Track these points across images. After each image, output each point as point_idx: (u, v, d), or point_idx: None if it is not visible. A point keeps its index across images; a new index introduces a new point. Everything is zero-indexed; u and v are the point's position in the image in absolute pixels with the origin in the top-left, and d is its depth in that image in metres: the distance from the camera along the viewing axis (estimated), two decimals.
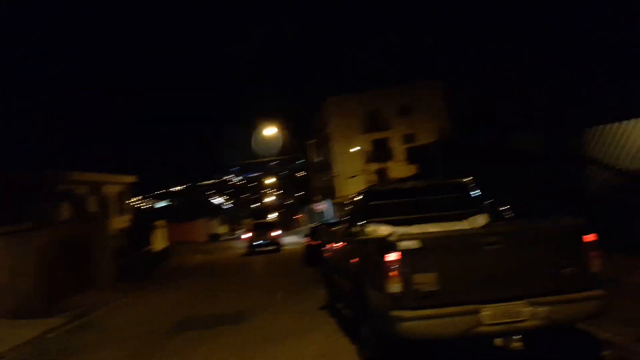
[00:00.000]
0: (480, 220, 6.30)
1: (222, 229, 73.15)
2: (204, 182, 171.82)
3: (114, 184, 26.56)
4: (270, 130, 33.22)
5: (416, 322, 4.10)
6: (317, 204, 42.42)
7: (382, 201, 6.53)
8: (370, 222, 6.05)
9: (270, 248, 26.83)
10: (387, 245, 4.24)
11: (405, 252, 4.19)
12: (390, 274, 4.18)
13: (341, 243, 6.83)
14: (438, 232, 5.06)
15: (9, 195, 17.23)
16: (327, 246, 8.30)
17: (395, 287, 4.17)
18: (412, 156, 30.24)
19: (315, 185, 41.45)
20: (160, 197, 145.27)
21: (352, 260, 5.72)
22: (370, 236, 5.49)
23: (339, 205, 43.09)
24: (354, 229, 6.20)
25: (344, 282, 6.29)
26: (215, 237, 58.75)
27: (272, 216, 79.81)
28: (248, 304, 10.36)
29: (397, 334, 4.18)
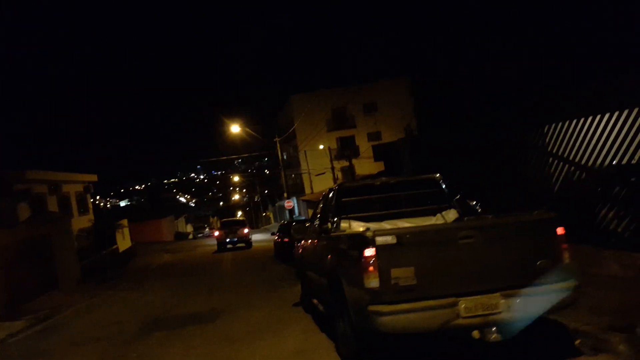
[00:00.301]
0: (451, 215, 6.47)
1: (188, 228, 72.09)
2: (168, 181, 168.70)
3: (74, 182, 25.76)
4: (234, 128, 33.03)
5: (395, 316, 4.18)
6: (285, 201, 42.30)
7: (354, 197, 6.62)
8: (343, 218, 6.13)
9: (240, 245, 27.12)
10: (365, 240, 4.31)
11: (382, 248, 4.27)
12: (368, 269, 4.25)
13: (314, 240, 6.88)
14: (413, 227, 5.18)
15: None
16: (300, 243, 8.33)
17: (373, 282, 4.25)
18: (378, 154, 30.56)
19: (283, 183, 41.28)
20: (122, 196, 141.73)
21: (326, 257, 5.77)
22: (346, 232, 5.56)
23: (306, 203, 43.16)
24: (327, 226, 6.25)
25: (319, 279, 6.34)
26: (181, 236, 57.89)
27: (239, 214, 79.12)
28: (221, 302, 10.29)
29: (376, 329, 4.26)
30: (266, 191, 74.54)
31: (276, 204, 63.10)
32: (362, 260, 4.29)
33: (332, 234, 5.86)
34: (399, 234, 4.36)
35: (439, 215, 6.55)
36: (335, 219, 6.00)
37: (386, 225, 6.26)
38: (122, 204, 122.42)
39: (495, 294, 4.33)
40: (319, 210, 7.09)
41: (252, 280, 13.44)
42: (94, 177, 28.83)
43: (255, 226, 65.18)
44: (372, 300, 4.27)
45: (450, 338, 5.19)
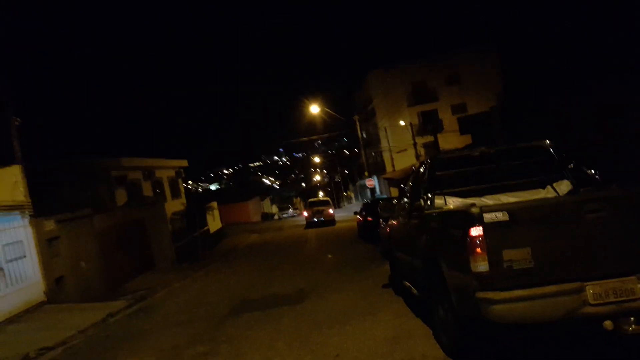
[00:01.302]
0: (564, 186, 5.63)
1: (273, 209, 74.02)
2: (253, 164, 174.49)
3: (166, 168, 26.97)
4: (314, 109, 32.79)
5: (509, 304, 3.57)
6: (366, 179, 41.79)
7: (450, 171, 5.95)
8: (437, 194, 5.51)
9: (326, 222, 29.67)
10: (470, 218, 3.72)
11: (491, 226, 3.66)
12: (476, 250, 3.66)
13: (405, 218, 6.33)
14: (528, 201, 4.48)
15: (67, 183, 17.73)
16: (388, 222, 7.81)
17: (481, 265, 3.66)
18: (464, 126, 29.03)
19: (363, 162, 40.73)
20: (212, 180, 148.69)
21: (420, 237, 5.22)
22: (443, 209, 4.97)
23: (388, 181, 42.30)
24: (419, 203, 5.67)
25: (411, 261, 5.80)
26: (267, 217, 59.48)
27: (321, 194, 79.93)
28: (307, 282, 10.10)
29: (486, 319, 3.68)
30: (346, 171, 74.36)
31: (357, 183, 62.76)
32: (468, 240, 3.70)
33: (426, 211, 5.27)
34: (511, 209, 3.72)
35: (549, 187, 5.73)
36: (429, 195, 5.40)
37: (488, 200, 5.56)
38: (213, 187, 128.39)
39: (630, 278, 3.59)
40: (408, 186, 6.50)
41: (337, 261, 13.17)
42: (184, 163, 30.03)
43: (336, 206, 65.38)
44: (480, 287, 3.69)
45: (576, 329, 4.43)
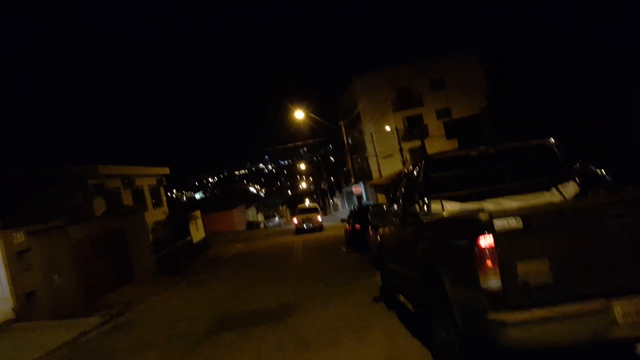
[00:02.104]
0: (570, 188, 5.17)
1: (259, 217, 73.19)
2: (239, 172, 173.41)
3: (147, 176, 26.19)
4: (299, 114, 32.28)
5: (526, 327, 3.07)
6: (353, 186, 41.41)
7: (446, 172, 5.46)
8: (433, 198, 5.00)
9: (314, 229, 30.93)
10: (478, 225, 3.22)
11: (503, 235, 3.16)
12: (485, 264, 3.16)
13: (398, 225, 5.82)
14: (543, 206, 4.00)
15: (40, 192, 16.93)
16: (378, 229, 7.30)
17: (492, 281, 3.15)
18: (451, 130, 28.82)
19: (349, 168, 40.31)
20: (197, 189, 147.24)
21: (417, 246, 4.71)
22: (443, 215, 4.47)
23: (375, 187, 41.90)
24: (414, 208, 5.17)
25: (407, 272, 5.29)
26: (252, 225, 58.68)
27: (307, 202, 79.51)
28: (293, 295, 9.54)
29: (499, 343, 3.17)
30: (332, 178, 73.93)
31: (343, 190, 62.33)
32: (476, 252, 3.20)
33: (422, 217, 4.77)
34: (525, 215, 3.22)
35: (554, 189, 5.26)
36: (425, 200, 4.89)
37: (489, 205, 5.07)
38: (197, 196, 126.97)
39: None
40: (401, 191, 6.00)
41: (324, 271, 12.61)
42: (166, 170, 29.25)
43: (323, 213, 64.79)
44: (492, 305, 3.18)
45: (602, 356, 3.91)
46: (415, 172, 5.55)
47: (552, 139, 5.38)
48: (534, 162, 5.49)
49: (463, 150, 5.63)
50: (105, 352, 7.49)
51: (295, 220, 34.11)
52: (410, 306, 5.45)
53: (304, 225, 31.25)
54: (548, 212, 3.43)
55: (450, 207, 4.91)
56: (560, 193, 5.20)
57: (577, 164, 5.37)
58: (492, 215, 3.20)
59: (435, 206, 4.86)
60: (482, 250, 3.17)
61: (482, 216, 3.22)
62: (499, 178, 5.51)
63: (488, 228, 3.17)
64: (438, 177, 5.37)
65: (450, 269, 3.75)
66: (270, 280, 12.42)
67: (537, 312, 3.08)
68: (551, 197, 5.21)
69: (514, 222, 3.18)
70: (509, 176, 5.55)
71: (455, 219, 4.03)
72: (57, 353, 8.07)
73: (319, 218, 32.04)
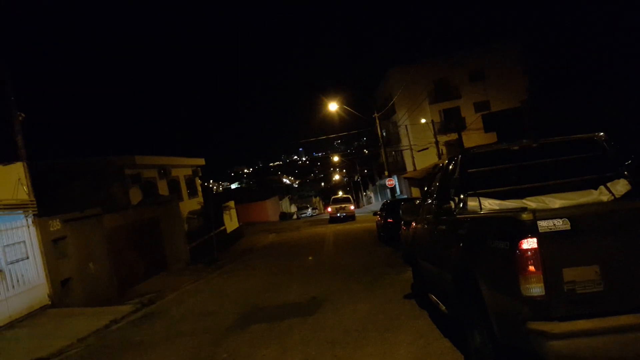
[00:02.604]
0: (620, 187, 4.75)
1: (292, 208, 73.55)
2: (273, 164, 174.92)
3: (182, 167, 26.51)
4: (332, 106, 32.00)
5: (572, 340, 2.77)
6: (386, 179, 40.93)
7: (484, 168, 5.11)
8: (470, 195, 4.69)
9: (347, 218, 33.01)
10: (520, 226, 2.93)
11: (548, 237, 2.86)
12: (527, 268, 2.87)
13: (431, 223, 5.52)
14: (594, 205, 3.65)
15: (78, 181, 17.31)
16: (411, 225, 7.01)
17: (535, 288, 2.86)
18: (490, 123, 28.02)
19: (383, 161, 39.78)
20: (233, 180, 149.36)
21: (451, 246, 4.43)
22: (481, 214, 4.16)
23: (408, 180, 41.26)
24: (449, 205, 4.87)
25: (440, 272, 5.01)
26: (285, 216, 58.96)
27: (340, 194, 79.47)
28: (321, 289, 9.37)
29: (541, 356, 2.88)
30: (366, 170, 73.38)
31: (376, 183, 61.74)
32: (517, 255, 2.91)
33: (457, 215, 4.47)
34: (573, 215, 2.91)
35: (602, 187, 4.85)
36: (461, 196, 4.59)
37: (530, 203, 4.72)
38: (233, 186, 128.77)
39: None
40: (435, 186, 5.70)
41: (355, 265, 12.38)
42: (201, 161, 29.53)
43: (355, 205, 64.48)
44: (533, 315, 2.89)
45: None
46: (451, 166, 5.24)
47: (601, 133, 4.96)
48: (581, 158, 5.08)
49: (503, 144, 5.27)
50: (132, 342, 7.51)
51: (329, 209, 36.37)
52: (443, 307, 5.17)
53: (338, 214, 33.35)
54: (599, 212, 3.10)
55: (489, 204, 4.58)
56: (610, 192, 4.78)
57: (629, 161, 4.95)
58: (536, 215, 2.90)
59: (472, 203, 4.55)
60: (524, 253, 2.88)
61: (525, 216, 2.93)
62: (542, 174, 5.13)
63: (531, 229, 2.88)
64: (476, 172, 5.04)
65: (488, 273, 3.46)
66: (299, 273, 12.30)
67: (585, 324, 2.78)
68: (599, 196, 4.80)
69: (560, 224, 2.88)
70: (552, 173, 5.16)
71: (494, 218, 3.72)
72: (87, 340, 8.17)
73: (352, 207, 34.15)
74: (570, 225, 2.87)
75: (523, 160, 5.12)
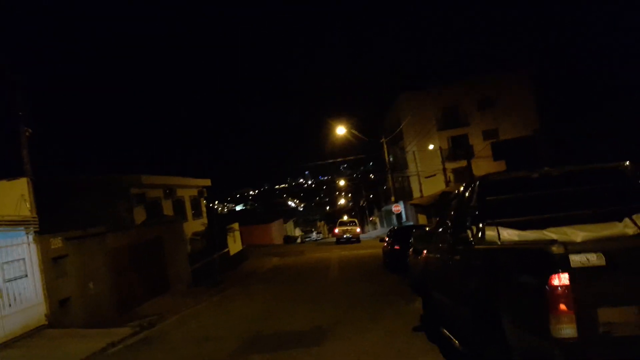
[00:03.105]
0: None
1: (296, 232, 73.06)
2: (279, 186, 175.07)
3: (188, 187, 26.39)
4: (340, 130, 31.98)
5: None
6: (393, 205, 40.59)
7: (502, 195, 4.88)
8: (488, 224, 4.45)
9: (352, 240, 34.86)
10: (550, 260, 2.69)
11: (581, 273, 2.62)
12: (558, 307, 2.62)
13: (446, 252, 5.27)
14: (630, 240, 3.41)
15: (82, 199, 17.18)
16: (424, 253, 6.74)
17: (567, 329, 2.61)
18: (498, 152, 27.87)
19: (390, 186, 39.55)
20: (238, 201, 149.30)
21: (469, 278, 4.18)
22: (504, 245, 3.91)
23: (415, 207, 40.89)
24: (465, 234, 4.63)
25: (455, 306, 4.73)
26: (289, 240, 58.50)
27: (345, 218, 79.17)
28: (327, 318, 9.04)
29: None
30: (371, 195, 72.99)
31: (382, 209, 61.30)
32: (547, 292, 2.66)
33: (475, 246, 4.23)
34: (609, 250, 2.67)
35: (627, 220, 4.60)
36: (479, 226, 4.35)
37: (551, 234, 4.47)
38: (238, 208, 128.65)
39: None
40: (450, 214, 5.46)
41: (361, 293, 12.04)
42: (207, 182, 29.42)
43: (361, 230, 63.96)
44: (564, 359, 2.63)
45: None
46: (467, 193, 5.01)
47: (627, 162, 4.74)
48: (604, 188, 4.85)
49: (523, 172, 5.05)
50: None
51: (336, 230, 38.63)
52: (457, 343, 4.87)
53: (344, 235, 35.43)
54: (638, 247, 2.85)
55: (507, 235, 4.34)
56: (636, 224, 4.53)
57: None
58: (568, 249, 2.67)
59: (490, 233, 4.32)
60: (554, 290, 2.64)
61: (556, 249, 2.69)
62: (562, 204, 4.89)
63: (563, 264, 2.64)
64: (494, 200, 4.81)
65: (513, 309, 3.20)
66: (303, 300, 11.96)
67: None
68: (624, 228, 4.54)
69: (594, 259, 2.64)
70: (574, 203, 4.92)
71: (520, 250, 3.48)
72: None
73: (357, 230, 36.58)
74: (606, 261, 2.63)
75: (543, 188, 4.89)
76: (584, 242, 3.17)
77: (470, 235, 4.47)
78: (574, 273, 2.63)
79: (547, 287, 2.67)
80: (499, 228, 4.35)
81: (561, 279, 2.63)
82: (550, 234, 4.58)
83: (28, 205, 10.63)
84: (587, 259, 2.64)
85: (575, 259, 2.64)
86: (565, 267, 2.64)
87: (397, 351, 6.17)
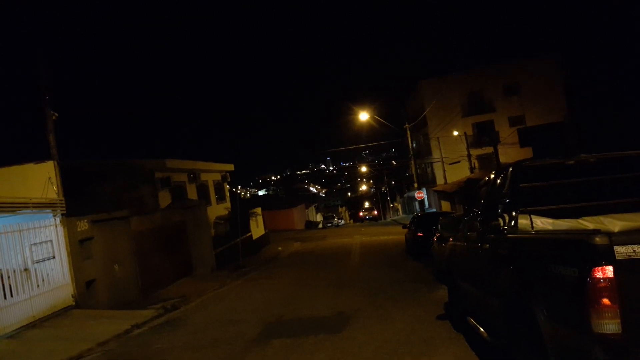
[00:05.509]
0: None
1: (317, 217, 73.19)
2: (301, 172, 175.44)
3: (212, 172, 26.54)
4: (363, 116, 31.62)
5: None
6: (415, 191, 40.25)
7: (536, 182, 4.67)
8: (521, 212, 4.26)
9: (372, 218, 51.25)
10: (592, 250, 2.52)
11: (626, 266, 2.45)
12: (601, 301, 2.46)
13: (475, 241, 5.10)
14: None
15: (108, 183, 17.42)
16: (448, 241, 6.58)
17: (610, 325, 2.45)
18: (526, 138, 27.20)
19: (413, 173, 39.10)
20: (261, 186, 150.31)
21: (500, 268, 4.02)
22: (540, 234, 3.73)
23: (438, 194, 40.44)
24: (497, 222, 4.45)
25: (483, 296, 4.58)
26: (311, 225, 58.67)
27: (366, 205, 79.90)
28: (348, 304, 8.98)
29: None
30: (393, 182, 72.48)
31: (404, 195, 60.83)
32: (588, 285, 2.50)
33: (508, 234, 4.06)
34: None
35: None
36: (512, 213, 4.17)
37: (587, 223, 4.26)
38: (260, 193, 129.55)
39: None
40: (480, 201, 5.27)
41: (383, 279, 11.94)
42: (230, 167, 29.55)
43: (383, 218, 64.10)
44: (607, 356, 2.48)
45: None
46: (499, 180, 4.82)
47: None
48: None
49: (557, 158, 4.83)
50: (152, 350, 7.29)
51: (360, 214, 62.03)
52: (484, 334, 4.73)
53: (367, 216, 55.20)
54: None
55: (541, 223, 4.15)
56: None
57: None
58: (613, 240, 2.50)
59: (523, 221, 4.13)
60: (597, 283, 2.48)
61: (599, 239, 2.52)
62: (599, 192, 4.67)
63: (607, 256, 2.47)
64: (527, 187, 4.61)
65: (548, 303, 3.04)
66: (325, 285, 11.93)
67: None
68: None
69: None
70: (610, 191, 4.68)
71: (557, 240, 3.30)
72: (107, 345, 8.01)
73: (375, 212, 57.40)
74: None
75: (579, 176, 4.66)
76: (628, 232, 2.97)
77: (502, 223, 4.29)
78: (619, 265, 2.46)
79: (588, 279, 2.51)
80: (532, 216, 4.16)
81: (605, 272, 2.47)
82: (586, 223, 4.36)
83: (55, 188, 10.78)
84: (634, 251, 2.47)
85: (621, 251, 2.47)
86: (609, 259, 2.47)
87: (422, 339, 6.04)
